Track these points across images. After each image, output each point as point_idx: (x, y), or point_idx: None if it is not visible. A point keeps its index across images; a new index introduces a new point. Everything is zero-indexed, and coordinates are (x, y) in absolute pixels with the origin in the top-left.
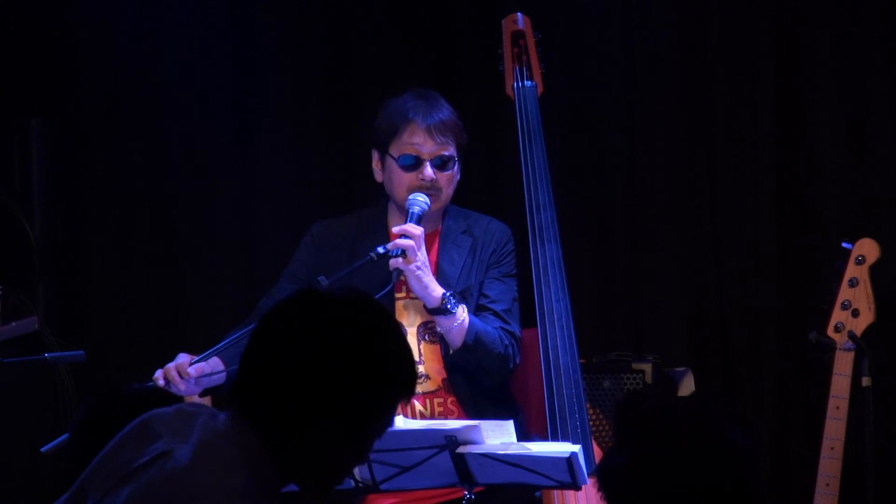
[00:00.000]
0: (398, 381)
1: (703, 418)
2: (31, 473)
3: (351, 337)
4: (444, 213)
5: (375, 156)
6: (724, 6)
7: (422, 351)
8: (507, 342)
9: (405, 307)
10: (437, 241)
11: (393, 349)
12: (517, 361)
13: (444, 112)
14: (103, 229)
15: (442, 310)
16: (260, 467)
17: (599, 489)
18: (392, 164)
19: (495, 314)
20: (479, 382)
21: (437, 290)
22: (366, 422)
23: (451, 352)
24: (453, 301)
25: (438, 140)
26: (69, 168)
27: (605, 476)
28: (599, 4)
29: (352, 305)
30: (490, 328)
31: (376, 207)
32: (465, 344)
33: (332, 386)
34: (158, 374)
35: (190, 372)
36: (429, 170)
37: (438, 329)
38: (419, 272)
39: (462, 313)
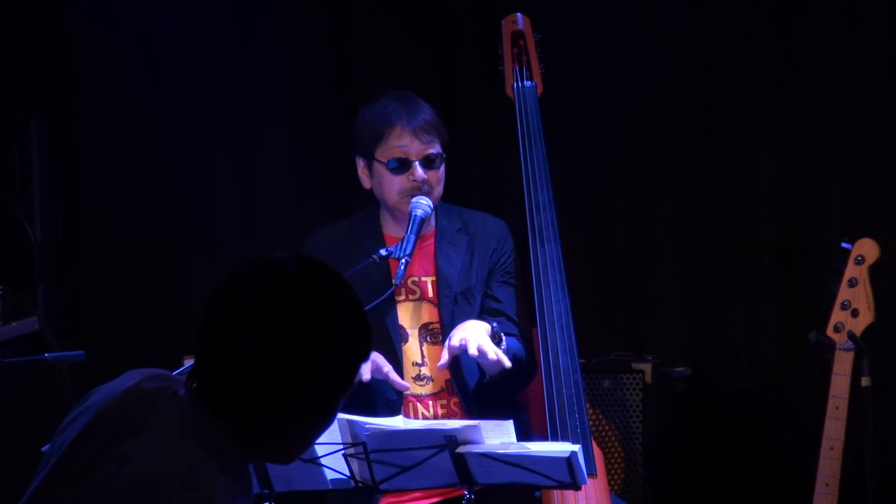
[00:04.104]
0: (360, 347)
1: (766, 416)
2: (32, 473)
3: (309, 309)
4: (437, 212)
5: (361, 163)
6: (725, 6)
7: (424, 353)
8: (529, 351)
9: (406, 309)
10: (432, 241)
11: (351, 316)
12: (536, 367)
13: (426, 112)
14: (103, 229)
15: (497, 342)
16: (226, 455)
17: (647, 469)
18: (380, 169)
19: (509, 318)
20: (485, 385)
21: (486, 326)
22: (331, 391)
23: (488, 377)
24: (499, 330)
25: (424, 139)
26: (69, 168)
27: (658, 459)
28: (599, 4)
29: (307, 276)
30: (516, 342)
31: (369, 211)
32: (507, 368)
33: (295, 362)
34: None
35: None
36: (419, 170)
37: (480, 360)
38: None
39: (505, 340)
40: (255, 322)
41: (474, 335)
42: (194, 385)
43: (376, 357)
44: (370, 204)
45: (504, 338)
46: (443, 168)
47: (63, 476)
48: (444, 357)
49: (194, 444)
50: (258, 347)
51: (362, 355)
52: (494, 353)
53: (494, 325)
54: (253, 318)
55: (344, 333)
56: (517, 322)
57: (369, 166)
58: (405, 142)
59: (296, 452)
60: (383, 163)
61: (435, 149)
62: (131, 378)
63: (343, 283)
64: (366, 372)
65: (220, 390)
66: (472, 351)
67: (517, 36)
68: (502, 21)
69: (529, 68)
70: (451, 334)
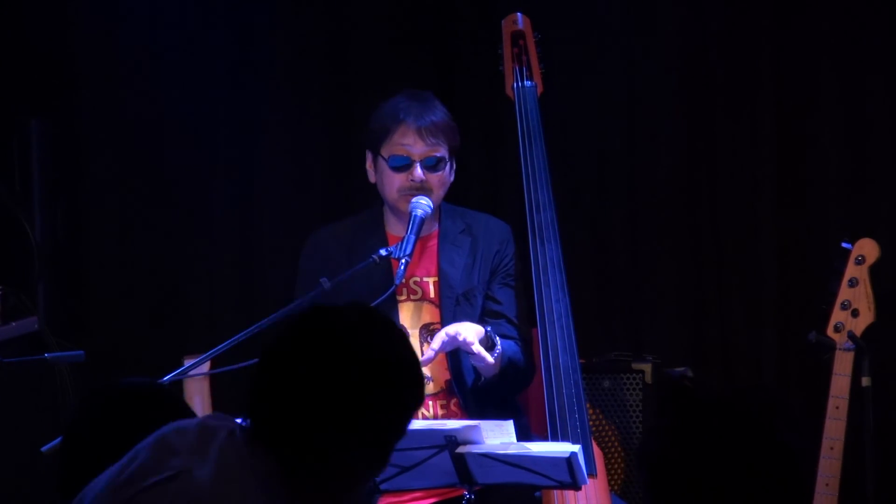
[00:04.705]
0: (412, 394)
1: (762, 414)
2: (31, 473)
3: (363, 355)
4: (440, 213)
5: (369, 157)
6: (724, 6)
7: (425, 353)
8: (528, 353)
9: (407, 309)
10: (435, 242)
11: (404, 363)
12: (535, 369)
13: (437, 114)
14: (103, 229)
15: (489, 346)
16: (277, 491)
17: (641, 472)
18: (383, 165)
19: (509, 321)
20: (480, 386)
21: (480, 329)
22: (383, 438)
23: (483, 380)
24: (493, 333)
25: (429, 141)
26: (69, 168)
27: (651, 461)
28: (599, 4)
29: (360, 322)
30: (514, 345)
31: (373, 210)
32: (501, 370)
33: (349, 408)
34: None
35: None
36: (419, 171)
37: (473, 362)
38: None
39: (499, 343)
40: (312, 368)
41: (463, 330)
42: (250, 425)
43: None
44: (372, 203)
45: (498, 342)
46: (446, 171)
47: (114, 481)
48: (429, 353)
49: (247, 474)
50: (314, 393)
51: (415, 404)
52: (476, 350)
53: (488, 329)
54: (309, 364)
55: (398, 383)
56: (517, 324)
57: (375, 161)
58: (409, 141)
59: (345, 497)
60: (386, 159)
61: (439, 152)
62: (194, 418)
63: (398, 333)
64: None
65: (274, 432)
66: (449, 335)
67: (517, 36)
68: (502, 21)
69: (529, 68)
70: (445, 329)
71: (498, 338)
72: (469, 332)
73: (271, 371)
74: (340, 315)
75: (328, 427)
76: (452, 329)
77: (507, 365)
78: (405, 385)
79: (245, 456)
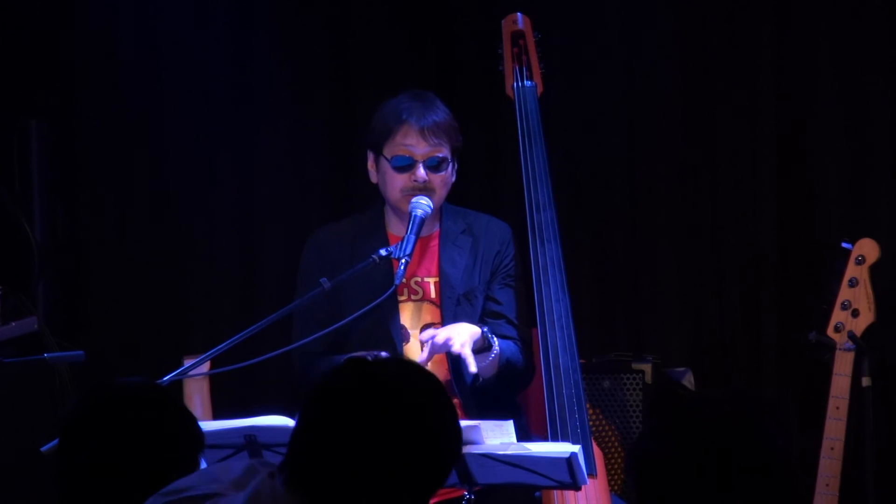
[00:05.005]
0: (450, 452)
1: (749, 415)
2: (31, 473)
3: (402, 409)
4: (441, 213)
5: (370, 157)
6: (724, 6)
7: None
8: (527, 354)
9: (408, 309)
10: (436, 242)
11: (443, 415)
12: (534, 369)
13: (439, 114)
14: (103, 229)
15: (486, 347)
16: None
17: (631, 474)
18: (385, 166)
19: (509, 321)
20: (479, 386)
21: (476, 331)
22: (420, 489)
23: (482, 380)
24: (490, 334)
25: (432, 141)
26: (69, 168)
27: (641, 463)
28: (599, 4)
29: (398, 375)
30: (513, 345)
31: (374, 210)
32: (499, 371)
33: (389, 464)
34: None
35: None
36: (421, 171)
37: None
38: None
39: (496, 344)
40: (351, 420)
41: (458, 338)
42: (289, 471)
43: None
44: (372, 203)
45: (495, 343)
46: (448, 172)
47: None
48: (424, 354)
49: None
50: (353, 445)
51: (453, 456)
52: (465, 355)
53: (485, 329)
54: (349, 416)
55: (436, 435)
56: (517, 325)
57: (377, 161)
58: (411, 141)
59: None
60: (388, 159)
61: (442, 153)
62: (245, 461)
63: (438, 387)
64: None
65: (312, 480)
66: (439, 342)
67: (517, 36)
68: (502, 21)
69: (529, 68)
70: (438, 332)
71: (496, 338)
72: (463, 335)
73: (312, 422)
74: (379, 368)
75: (366, 478)
76: (443, 336)
77: (505, 365)
78: (443, 438)
79: (280, 496)
